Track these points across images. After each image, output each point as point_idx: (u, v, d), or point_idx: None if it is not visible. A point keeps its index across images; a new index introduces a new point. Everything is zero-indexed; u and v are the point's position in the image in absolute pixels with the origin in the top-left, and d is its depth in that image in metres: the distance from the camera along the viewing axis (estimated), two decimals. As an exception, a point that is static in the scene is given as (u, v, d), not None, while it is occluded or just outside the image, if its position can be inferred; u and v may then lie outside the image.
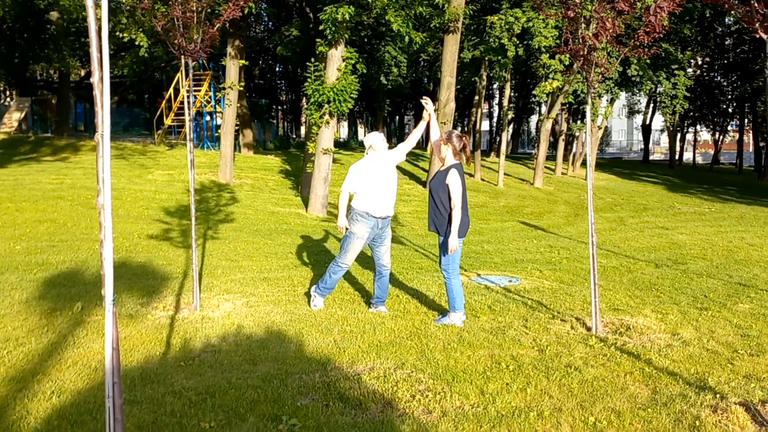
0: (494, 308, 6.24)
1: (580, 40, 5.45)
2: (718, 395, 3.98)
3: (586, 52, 5.29)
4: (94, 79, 2.28)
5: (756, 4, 3.43)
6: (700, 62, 36.87)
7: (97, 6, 2.36)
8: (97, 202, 2.43)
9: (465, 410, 3.70)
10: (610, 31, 4.72)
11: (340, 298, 6.48)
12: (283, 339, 5.00)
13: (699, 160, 53.16)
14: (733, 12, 3.60)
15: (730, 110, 40.48)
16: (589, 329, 5.54)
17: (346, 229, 5.94)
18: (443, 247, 5.65)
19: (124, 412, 2.47)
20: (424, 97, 6.16)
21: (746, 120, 39.63)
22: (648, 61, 23.20)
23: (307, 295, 6.37)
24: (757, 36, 3.44)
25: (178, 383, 3.97)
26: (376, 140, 6.01)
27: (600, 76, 5.60)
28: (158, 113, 24.13)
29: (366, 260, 8.95)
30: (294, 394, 3.86)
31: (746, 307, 6.66)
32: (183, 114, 23.46)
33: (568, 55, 5.65)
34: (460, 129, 43.64)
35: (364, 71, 13.42)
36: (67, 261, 7.60)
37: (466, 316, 5.75)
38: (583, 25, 5.51)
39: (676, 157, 43.13)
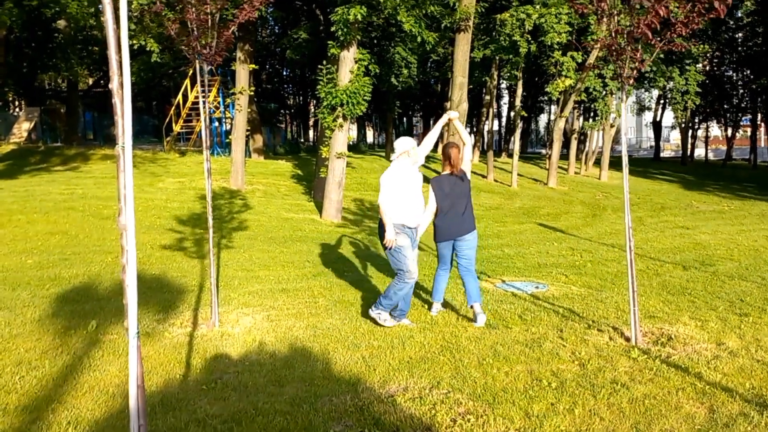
0: (525, 318, 5.97)
1: (613, 33, 5.18)
2: (781, 414, 3.69)
3: (623, 46, 5.02)
4: (113, 85, 2.03)
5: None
6: (710, 56, 36.40)
7: (115, 8, 2.12)
8: (119, 222, 2.18)
9: (511, 436, 3.43)
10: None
11: (364, 310, 6.21)
12: (309, 357, 4.74)
13: (711, 156, 52.60)
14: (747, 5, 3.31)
15: (742, 105, 39.93)
16: (628, 339, 5.25)
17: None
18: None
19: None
20: (449, 111, 6.04)
21: (759, 115, 39.07)
22: (662, 55, 22.83)
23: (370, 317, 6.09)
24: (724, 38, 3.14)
25: (201, 410, 3.72)
26: (410, 146, 5.67)
27: (635, 71, 5.33)
28: (167, 120, 23.98)
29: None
30: (326, 419, 3.60)
31: (788, 311, 6.36)
32: (191, 121, 23.31)
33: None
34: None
35: (377, 72, 13.16)
36: (80, 275, 7.38)
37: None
38: (616, 18, 5.24)
39: (688, 153, 42.65)
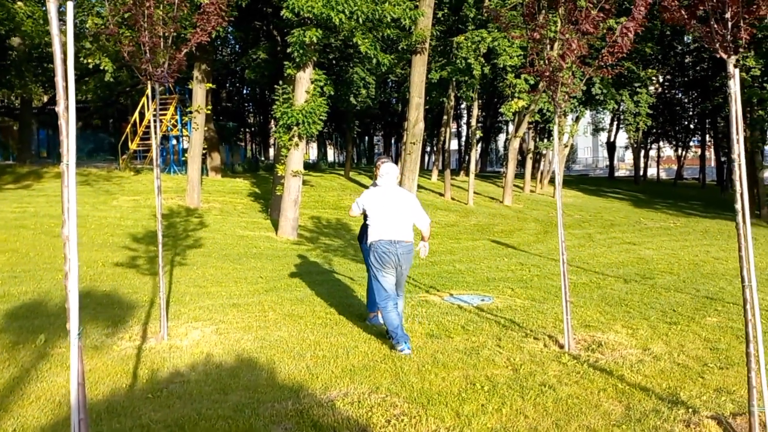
0: (467, 328, 6.23)
1: (546, 60, 5.54)
2: (690, 410, 4.01)
3: (551, 72, 5.38)
4: (59, 108, 2.22)
5: (715, 25, 3.52)
6: (661, 80, 37.82)
7: (62, 32, 2.31)
8: (62, 234, 2.36)
9: (441, 434, 3.66)
10: (576, 51, 4.80)
11: (312, 323, 6.40)
12: (255, 367, 4.90)
13: (663, 175, 54.38)
14: (693, 32, 3.69)
15: (691, 126, 41.52)
16: (561, 347, 5.56)
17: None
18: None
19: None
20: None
21: (708, 136, 40.66)
22: (611, 79, 23.73)
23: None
24: (717, 56, 3.52)
25: (145, 416, 3.86)
26: (393, 170, 5.86)
27: (566, 95, 5.69)
28: (123, 138, 23.79)
29: (339, 285, 8.90)
30: (267, 423, 3.77)
31: (714, 320, 6.77)
32: (149, 139, 23.18)
33: (533, 75, 5.74)
34: (429, 149, 43.93)
35: (332, 93, 13.44)
36: (30, 292, 7.38)
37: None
38: (548, 46, 5.61)
39: (641, 173, 44.04)
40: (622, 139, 51.55)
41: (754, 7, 3.36)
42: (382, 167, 5.84)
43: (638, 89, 25.96)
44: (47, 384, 4.41)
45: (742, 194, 3.58)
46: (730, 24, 3.44)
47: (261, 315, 6.70)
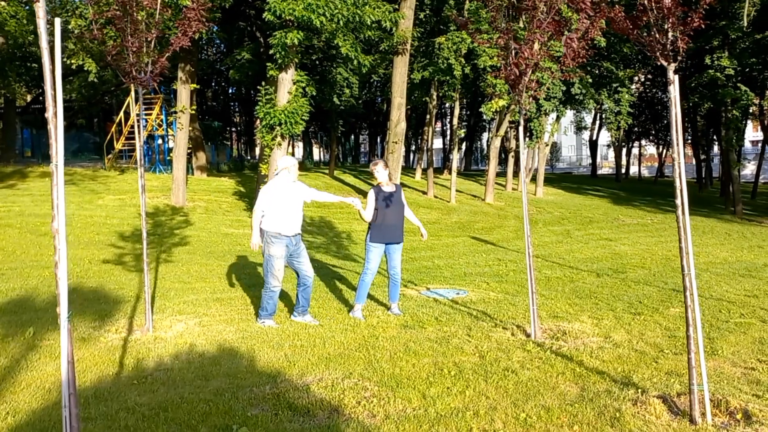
0: (441, 319, 6.53)
1: (512, 66, 5.84)
2: (639, 390, 4.33)
3: (517, 76, 5.68)
4: (48, 114, 2.48)
5: (657, 35, 3.83)
6: (643, 79, 38.41)
7: (51, 47, 2.57)
8: (52, 227, 2.62)
9: (407, 413, 3.95)
10: (533, 58, 5.10)
11: (290, 315, 6.66)
12: (235, 355, 5.17)
13: (645, 173, 55.09)
14: (636, 41, 3.99)
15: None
16: (528, 335, 5.87)
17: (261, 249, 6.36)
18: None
19: (80, 421, 2.63)
20: (353, 199, 6.76)
21: (686, 134, 41.32)
22: (590, 80, 24.15)
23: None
24: (658, 63, 3.83)
25: (131, 400, 4.12)
26: (291, 163, 6.45)
27: (531, 98, 6.00)
28: (108, 137, 23.89)
29: (319, 279, 9.16)
30: (244, 405, 4.04)
31: (677, 311, 7.11)
32: (134, 138, 23.30)
33: (501, 79, 6.03)
34: (414, 147, 44.28)
35: (314, 94, 13.70)
36: (17, 288, 7.59)
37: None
38: (514, 52, 5.91)
39: (623, 171, 44.63)
40: (605, 137, 52.21)
41: (689, 19, 3.67)
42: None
43: (619, 89, 26.42)
44: (37, 373, 4.65)
45: (681, 190, 3.90)
46: (669, 34, 3.75)
47: (243, 308, 6.96)
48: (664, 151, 46.83)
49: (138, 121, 6.31)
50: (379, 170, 6.80)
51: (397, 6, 16.18)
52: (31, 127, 31.66)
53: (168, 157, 22.03)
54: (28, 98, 35.03)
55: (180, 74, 16.45)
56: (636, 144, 49.67)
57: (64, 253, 2.57)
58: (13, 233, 11.35)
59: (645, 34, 3.90)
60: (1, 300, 6.98)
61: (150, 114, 22.53)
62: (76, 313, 6.42)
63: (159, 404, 4.03)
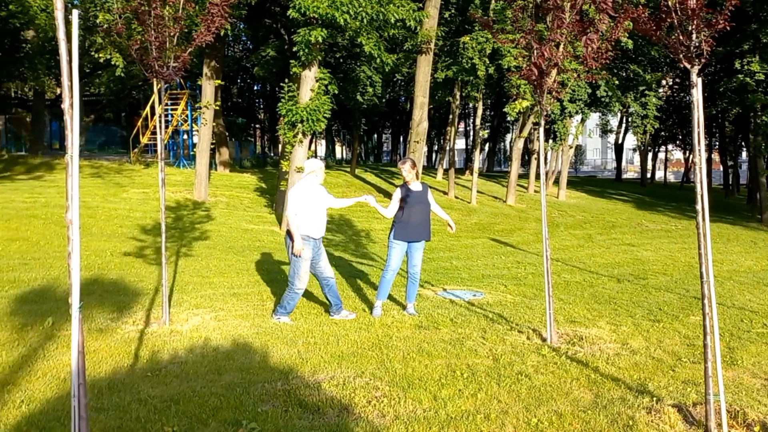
0: (456, 321, 6.49)
1: (532, 66, 5.78)
2: (654, 398, 4.25)
3: (538, 76, 5.62)
4: (65, 105, 2.50)
5: (681, 36, 3.76)
6: (671, 83, 37.87)
7: (68, 40, 2.59)
8: (66, 217, 2.64)
9: (417, 414, 3.93)
10: (554, 59, 5.04)
11: (306, 312, 6.69)
12: (249, 350, 5.19)
13: (671, 178, 54.30)
14: (659, 42, 3.93)
15: (698, 129, 41.37)
16: (544, 340, 5.81)
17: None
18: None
19: (88, 410, 2.65)
20: (366, 197, 6.79)
21: (714, 139, 40.65)
22: (616, 82, 23.86)
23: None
24: (681, 66, 3.76)
25: (144, 392, 4.15)
26: (318, 166, 6.55)
27: (553, 99, 5.93)
28: (134, 132, 24.19)
29: (339, 274, 9.15)
30: (255, 401, 4.05)
31: (697, 319, 6.98)
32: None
33: (523, 79, 5.97)
34: (436, 147, 44.17)
35: (336, 92, 13.71)
36: (39, 278, 7.71)
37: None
38: (536, 52, 5.85)
39: (648, 175, 44.03)
40: (631, 141, 51.57)
41: (714, 20, 3.59)
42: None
43: (646, 92, 26.05)
44: (53, 362, 4.71)
45: (702, 196, 3.82)
46: (693, 36, 3.67)
47: (259, 304, 6.99)
48: (691, 156, 46.12)
49: (160, 115, 6.37)
50: (407, 169, 6.82)
51: (421, 5, 16.13)
52: (60, 120, 32.11)
53: (192, 152, 22.23)
54: (57, 91, 35.60)
55: (205, 70, 16.58)
56: (662, 148, 48.98)
57: (77, 244, 2.59)
58: (38, 224, 11.52)
59: (668, 35, 3.83)
60: (23, 290, 7.09)
61: (176, 109, 22.75)
62: (96, 304, 6.50)
63: (171, 397, 4.06)
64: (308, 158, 6.99)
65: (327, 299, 6.59)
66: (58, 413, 3.77)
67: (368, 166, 34.52)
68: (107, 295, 7.03)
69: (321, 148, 49.89)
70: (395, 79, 30.55)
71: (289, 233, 6.30)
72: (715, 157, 44.36)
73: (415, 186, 6.87)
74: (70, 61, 2.48)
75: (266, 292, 7.63)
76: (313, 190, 6.38)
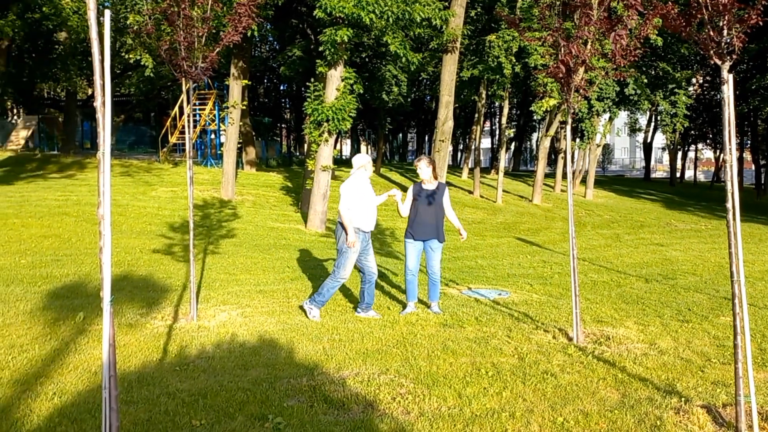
0: (481, 319, 6.47)
1: (559, 63, 5.73)
2: (683, 399, 4.20)
3: (565, 74, 5.58)
4: (97, 104, 2.56)
5: (711, 32, 3.70)
6: (701, 81, 37.22)
7: (101, 38, 2.65)
8: (98, 213, 2.70)
9: (442, 411, 3.93)
10: (581, 56, 5.00)
11: (332, 309, 6.72)
12: (275, 346, 5.24)
13: (701, 177, 53.37)
14: (689, 38, 3.89)
15: (730, 128, 40.60)
16: (570, 339, 5.76)
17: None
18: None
19: (118, 403, 2.71)
20: (394, 191, 6.80)
21: (745, 138, 39.85)
22: (645, 80, 23.53)
23: (302, 308, 6.60)
24: (712, 62, 3.70)
25: (172, 386, 4.22)
26: (367, 161, 6.56)
27: (581, 97, 5.88)
28: (163, 131, 24.55)
29: (358, 276, 9.19)
30: (281, 396, 4.10)
31: (727, 319, 6.86)
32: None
33: (549, 77, 5.93)
34: (462, 146, 43.99)
35: (361, 91, 13.75)
36: (71, 274, 7.87)
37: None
38: (563, 50, 5.80)
39: (677, 174, 43.35)
40: (659, 140, 50.82)
41: (746, 16, 3.53)
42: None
43: (675, 90, 25.65)
44: (84, 356, 4.81)
45: (732, 194, 3.76)
46: (725, 32, 3.62)
47: (285, 301, 7.05)
48: (722, 155, 45.27)
49: (189, 114, 6.45)
50: (422, 167, 6.79)
51: (447, 4, 16.08)
52: (91, 120, 32.76)
53: (219, 152, 22.48)
54: (89, 92, 36.29)
55: (233, 70, 16.75)
56: (692, 147, 48.17)
57: (108, 239, 2.65)
58: (70, 221, 11.76)
59: (699, 31, 3.78)
60: (56, 285, 7.25)
61: (204, 108, 23.02)
62: (126, 299, 6.62)
63: (199, 391, 4.12)
64: (355, 155, 7.07)
65: (362, 295, 6.57)
66: (89, 405, 3.85)
67: (393, 165, 34.54)
68: (137, 291, 7.15)
69: (346, 147, 50.03)
70: (421, 78, 30.50)
71: (341, 225, 6.36)
72: (747, 156, 43.48)
73: (429, 185, 6.84)
74: (102, 61, 2.54)
75: (291, 290, 7.69)
76: (364, 185, 6.45)
